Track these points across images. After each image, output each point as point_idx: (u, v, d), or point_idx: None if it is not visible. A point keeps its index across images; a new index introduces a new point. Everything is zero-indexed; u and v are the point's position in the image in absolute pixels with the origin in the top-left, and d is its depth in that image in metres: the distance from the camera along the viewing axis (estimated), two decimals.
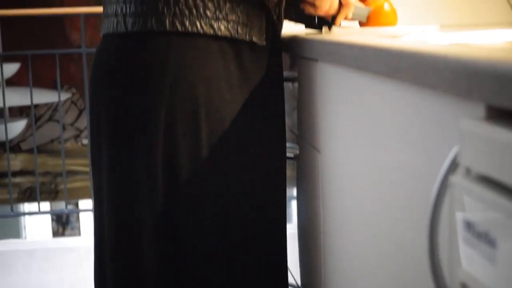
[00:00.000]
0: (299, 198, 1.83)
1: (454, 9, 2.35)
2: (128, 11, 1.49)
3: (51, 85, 6.00)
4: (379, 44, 1.12)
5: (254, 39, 1.51)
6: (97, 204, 1.63)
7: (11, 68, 5.36)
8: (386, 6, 1.80)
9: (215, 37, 1.47)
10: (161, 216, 1.49)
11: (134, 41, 1.49)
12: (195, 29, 1.46)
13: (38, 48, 5.77)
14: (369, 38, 1.32)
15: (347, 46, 1.27)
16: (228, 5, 1.48)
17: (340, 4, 1.61)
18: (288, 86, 1.83)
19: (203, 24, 1.46)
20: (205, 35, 1.47)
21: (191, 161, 1.48)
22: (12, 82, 5.63)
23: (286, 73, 1.85)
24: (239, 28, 1.49)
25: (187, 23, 1.45)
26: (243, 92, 1.52)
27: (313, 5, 1.58)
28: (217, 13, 1.47)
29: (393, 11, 1.81)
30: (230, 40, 1.49)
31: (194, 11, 1.46)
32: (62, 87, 5.86)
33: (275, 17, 1.57)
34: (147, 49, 1.47)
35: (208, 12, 1.46)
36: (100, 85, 1.56)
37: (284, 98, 1.65)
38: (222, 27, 1.47)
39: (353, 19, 1.72)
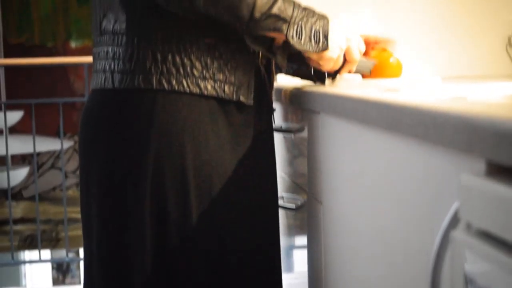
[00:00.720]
0: (308, 249, 1.83)
1: (456, 60, 2.37)
2: (116, 68, 1.50)
3: (54, 133, 6.02)
4: (380, 98, 1.13)
5: (242, 98, 1.52)
6: (87, 252, 1.63)
7: (14, 116, 5.39)
8: (391, 59, 1.81)
9: (202, 96, 1.49)
10: (152, 264, 1.50)
11: (120, 97, 1.50)
12: (181, 87, 1.47)
13: (42, 96, 5.81)
14: (370, 91, 1.33)
15: (349, 99, 1.28)
16: (215, 64, 1.49)
17: (344, 59, 1.62)
18: (290, 136, 1.84)
19: (189, 83, 1.48)
20: (191, 94, 1.48)
21: (179, 212, 1.48)
22: (16, 129, 5.66)
23: (287, 124, 1.86)
24: (226, 88, 1.50)
25: (173, 82, 1.47)
26: (232, 145, 1.52)
27: (318, 62, 1.59)
28: (204, 72, 1.48)
29: (398, 64, 1.82)
30: (217, 98, 1.50)
31: (181, 70, 1.47)
32: (64, 135, 5.88)
33: (266, 76, 1.60)
34: (133, 105, 1.48)
35: (195, 71, 1.48)
36: (88, 139, 1.57)
37: (274, 150, 1.65)
38: (209, 86, 1.49)
39: (357, 72, 1.73)
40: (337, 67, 1.61)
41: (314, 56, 1.56)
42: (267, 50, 1.53)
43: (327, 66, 1.59)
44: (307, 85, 1.71)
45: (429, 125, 0.91)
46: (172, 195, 1.48)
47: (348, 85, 1.62)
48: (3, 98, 5.95)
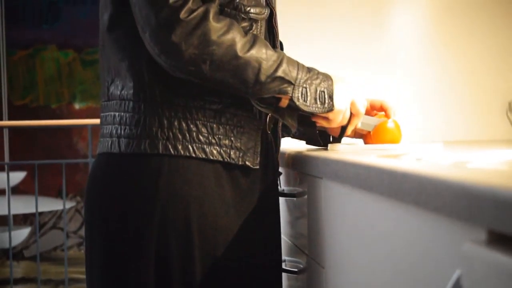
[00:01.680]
0: None
1: (457, 125, 2.39)
2: (122, 132, 1.51)
3: (56, 193, 6.02)
4: (381, 164, 1.14)
5: (247, 163, 1.53)
6: None
7: (17, 177, 5.40)
8: (391, 124, 1.82)
9: (208, 160, 1.50)
10: None
11: (126, 161, 1.51)
12: (187, 153, 1.48)
13: (44, 157, 5.83)
14: (372, 157, 1.34)
15: (351, 165, 1.29)
16: (221, 130, 1.51)
17: (350, 114, 1.64)
18: (292, 198, 1.85)
19: (195, 148, 1.49)
20: (197, 158, 1.49)
21: (183, 275, 1.48)
22: (18, 189, 5.67)
23: (290, 188, 1.87)
24: (231, 153, 1.52)
25: (179, 147, 1.48)
26: (237, 207, 1.53)
27: (326, 118, 1.61)
28: (210, 138, 1.50)
29: (398, 128, 1.83)
30: (223, 162, 1.52)
31: (187, 136, 1.49)
32: (67, 195, 5.88)
33: (272, 140, 1.61)
34: (139, 169, 1.49)
35: (201, 137, 1.49)
36: (94, 203, 1.57)
37: (279, 213, 1.66)
38: (215, 152, 1.50)
39: (360, 128, 1.74)
40: (345, 122, 1.63)
41: (323, 113, 1.58)
42: (274, 112, 1.54)
43: (337, 120, 1.60)
44: (310, 150, 1.73)
45: (429, 192, 0.92)
46: (176, 258, 1.48)
47: (350, 151, 1.64)
48: (7, 159, 5.97)
